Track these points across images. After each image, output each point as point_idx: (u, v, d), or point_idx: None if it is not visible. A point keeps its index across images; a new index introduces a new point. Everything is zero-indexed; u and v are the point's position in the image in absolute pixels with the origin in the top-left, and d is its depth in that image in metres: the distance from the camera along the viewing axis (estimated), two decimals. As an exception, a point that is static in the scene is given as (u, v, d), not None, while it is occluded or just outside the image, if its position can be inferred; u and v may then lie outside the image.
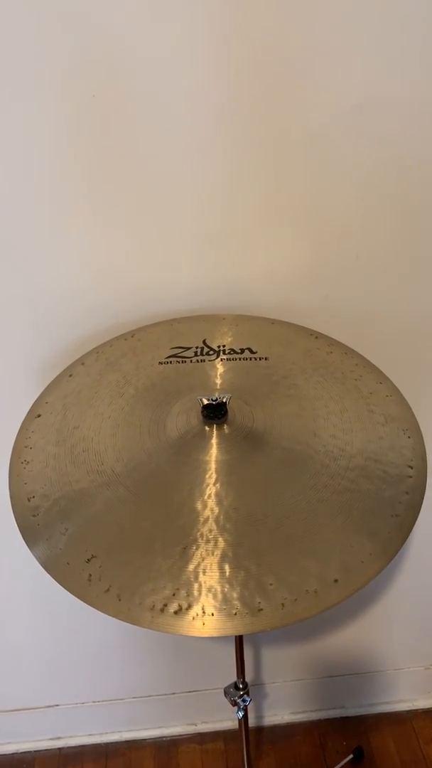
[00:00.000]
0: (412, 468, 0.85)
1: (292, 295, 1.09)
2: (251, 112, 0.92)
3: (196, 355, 0.99)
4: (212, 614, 0.73)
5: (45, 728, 1.67)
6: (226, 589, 0.74)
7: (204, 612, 0.73)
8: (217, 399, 0.86)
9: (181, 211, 0.99)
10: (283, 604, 0.73)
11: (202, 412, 0.87)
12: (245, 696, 1.15)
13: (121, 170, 0.95)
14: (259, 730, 1.60)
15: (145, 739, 1.62)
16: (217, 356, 0.99)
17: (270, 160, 0.96)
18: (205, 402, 0.86)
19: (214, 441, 0.86)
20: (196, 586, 0.74)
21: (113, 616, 0.74)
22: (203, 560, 0.76)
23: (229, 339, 1.02)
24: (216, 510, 0.80)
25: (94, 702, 1.63)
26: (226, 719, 1.65)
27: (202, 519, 0.79)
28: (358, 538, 0.78)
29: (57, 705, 1.64)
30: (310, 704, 1.62)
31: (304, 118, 0.93)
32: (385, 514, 0.80)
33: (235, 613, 0.72)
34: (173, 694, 1.61)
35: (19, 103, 0.89)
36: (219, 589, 0.74)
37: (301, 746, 1.55)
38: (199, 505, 0.80)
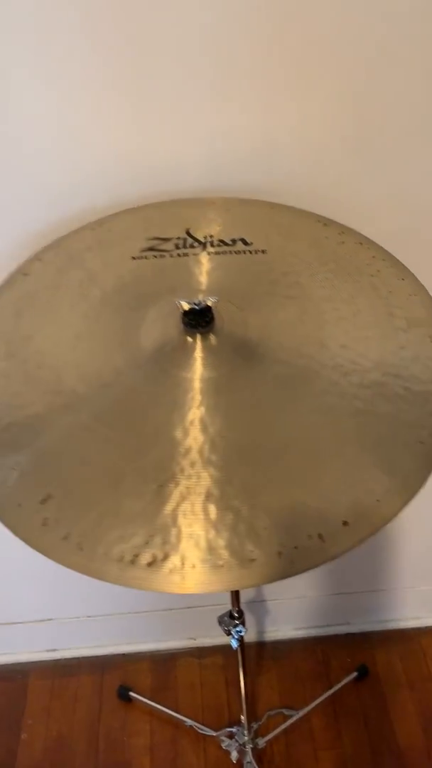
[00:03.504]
0: (440, 384, 0.69)
1: (297, 174, 0.89)
2: None
3: (177, 248, 0.81)
4: (193, 566, 0.60)
5: (40, 640, 1.63)
6: (210, 536, 0.61)
7: (183, 564, 0.60)
8: (200, 303, 0.69)
9: (160, 62, 0.78)
10: (280, 553, 0.60)
11: (182, 319, 0.71)
12: (240, 626, 1.06)
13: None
14: (261, 645, 1.55)
15: (142, 653, 1.57)
16: (203, 249, 0.81)
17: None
18: (186, 307, 0.70)
19: (197, 355, 0.71)
20: (174, 531, 0.61)
21: (73, 569, 0.61)
22: (183, 500, 0.62)
23: (218, 228, 0.84)
24: (200, 439, 0.66)
25: (88, 617, 1.58)
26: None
27: (182, 450, 0.65)
28: (373, 471, 0.64)
29: (50, 619, 1.58)
30: (313, 620, 1.55)
31: None
32: (407, 441, 0.66)
33: (222, 565, 0.60)
34: (171, 609, 1.55)
35: None
36: (202, 535, 0.61)
37: (302, 662, 1.50)
38: (178, 434, 0.66)
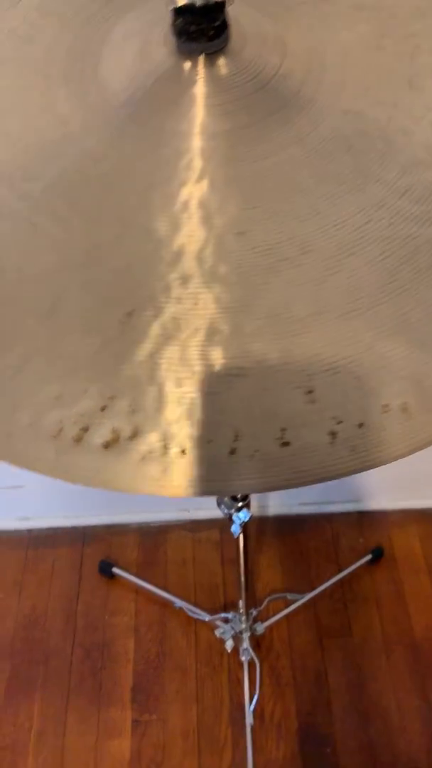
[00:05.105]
0: None
1: None
2: None
3: None
4: (183, 451, 0.34)
5: (10, 508, 1.44)
6: (213, 400, 0.35)
7: (167, 446, 0.34)
8: (206, -8, 0.39)
9: None
10: (333, 434, 0.34)
11: (174, 25, 0.41)
12: (245, 510, 0.84)
13: None
14: (263, 520, 1.37)
15: (128, 524, 1.39)
16: None
17: None
18: (182, 1, 0.39)
19: (198, 92, 0.41)
20: (151, 392, 0.35)
21: (-23, 449, 0.36)
22: (169, 340, 0.36)
23: None
24: (199, 236, 0.38)
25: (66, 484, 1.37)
26: (223, 506, 1.40)
27: (167, 255, 0.38)
28: None
29: (21, 486, 1.39)
30: (323, 495, 1.36)
31: None
32: None
33: (233, 451, 0.34)
34: (161, 478, 1.35)
35: None
36: (201, 399, 0.35)
37: (309, 541, 1.32)
38: (161, 225, 0.38)
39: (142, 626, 1.23)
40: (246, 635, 1.12)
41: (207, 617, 1.19)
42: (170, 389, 0.35)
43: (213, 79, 0.41)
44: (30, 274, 0.37)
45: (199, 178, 0.39)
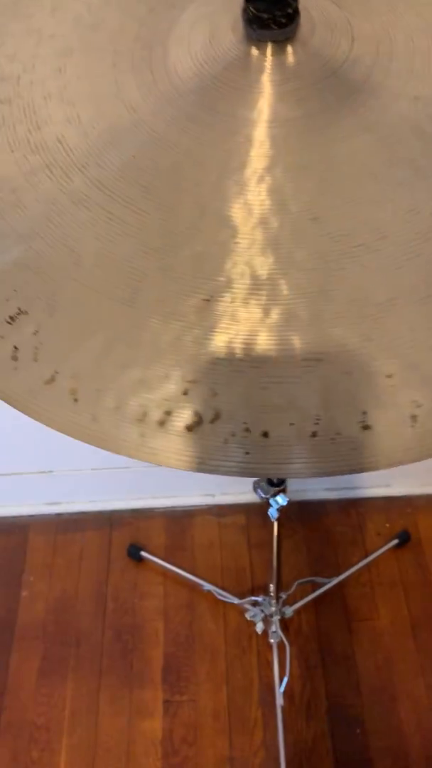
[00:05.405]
0: None
1: None
2: None
3: None
4: (265, 434, 0.35)
5: (40, 493, 1.46)
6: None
7: (249, 429, 0.35)
8: (279, -23, 0.39)
9: None
10: (414, 417, 0.35)
11: (245, 12, 0.41)
12: (283, 495, 0.85)
13: None
14: (289, 505, 1.37)
15: (154, 509, 1.40)
16: None
17: None
18: (255, -13, 0.39)
19: (266, 80, 0.41)
20: (231, 377, 0.36)
21: (63, 432, 0.37)
22: (246, 326, 0.37)
23: None
24: (273, 222, 0.38)
25: (93, 469, 1.39)
26: (249, 491, 1.42)
27: (244, 241, 0.38)
28: None
29: (51, 471, 1.40)
30: (348, 481, 1.37)
31: None
32: None
33: (315, 434, 0.35)
34: (186, 464, 1.36)
35: None
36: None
37: (334, 526, 1.33)
38: (236, 212, 0.39)
39: (171, 609, 1.25)
40: (276, 618, 1.14)
41: (236, 600, 1.20)
42: (249, 373, 0.36)
43: (282, 67, 0.41)
44: (108, 261, 0.38)
45: (272, 165, 0.39)
